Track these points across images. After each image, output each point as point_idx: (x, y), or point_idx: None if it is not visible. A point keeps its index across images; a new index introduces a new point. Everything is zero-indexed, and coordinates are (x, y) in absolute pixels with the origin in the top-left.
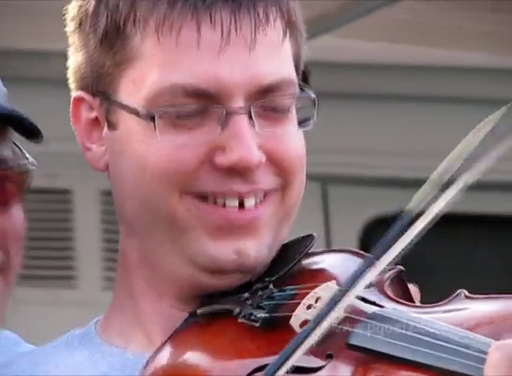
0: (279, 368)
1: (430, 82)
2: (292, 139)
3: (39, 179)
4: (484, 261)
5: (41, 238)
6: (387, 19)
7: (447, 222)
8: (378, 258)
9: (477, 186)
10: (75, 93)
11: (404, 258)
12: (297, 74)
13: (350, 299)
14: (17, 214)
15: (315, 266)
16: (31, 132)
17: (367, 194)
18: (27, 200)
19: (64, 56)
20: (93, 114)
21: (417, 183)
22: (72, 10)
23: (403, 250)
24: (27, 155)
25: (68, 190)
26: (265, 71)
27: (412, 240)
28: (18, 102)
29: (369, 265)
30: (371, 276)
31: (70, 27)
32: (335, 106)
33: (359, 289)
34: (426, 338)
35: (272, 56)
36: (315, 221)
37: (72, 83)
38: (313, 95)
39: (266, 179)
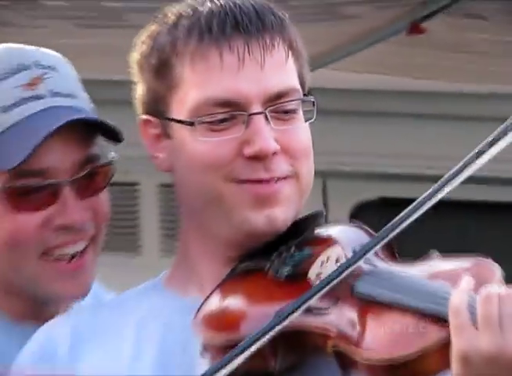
0: (298, 307)
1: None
2: (300, 134)
3: (116, 175)
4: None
5: (112, 224)
6: (373, 56)
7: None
8: (387, 235)
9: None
10: (142, 116)
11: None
12: (302, 85)
13: (359, 262)
14: (105, 198)
15: (326, 233)
16: (115, 137)
17: (354, 185)
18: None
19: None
20: (156, 131)
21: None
22: (134, 56)
23: (405, 228)
24: (112, 152)
25: (136, 183)
26: (273, 83)
27: (412, 222)
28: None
29: (379, 240)
30: (379, 247)
31: (134, 67)
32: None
33: (368, 255)
34: (408, 287)
35: (279, 72)
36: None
37: (138, 108)
38: (313, 99)
39: (281, 167)
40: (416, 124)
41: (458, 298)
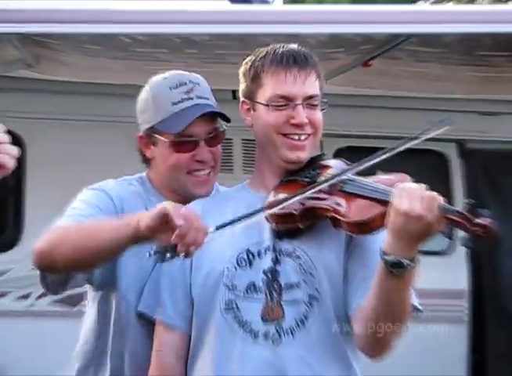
0: (308, 191)
1: None
2: (318, 116)
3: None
4: None
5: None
6: (345, 77)
7: None
8: (361, 165)
9: None
10: (242, 99)
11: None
12: (321, 92)
13: (344, 175)
14: (219, 148)
15: (326, 163)
16: (225, 118)
17: (334, 140)
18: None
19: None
20: (247, 106)
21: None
22: (241, 70)
23: (373, 163)
24: (224, 125)
25: (228, 140)
26: (309, 90)
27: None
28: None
29: (356, 166)
30: (355, 170)
31: (241, 76)
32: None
33: (349, 174)
34: (367, 186)
35: (311, 85)
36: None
37: (240, 95)
38: (326, 100)
39: (308, 130)
40: (362, 111)
41: (397, 191)
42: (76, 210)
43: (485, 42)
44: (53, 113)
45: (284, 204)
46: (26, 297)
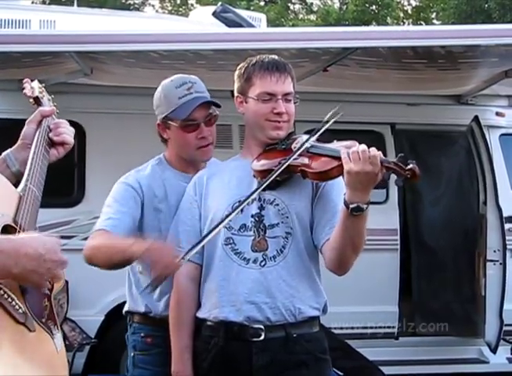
0: (290, 158)
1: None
2: (292, 108)
3: (220, 120)
4: None
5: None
6: (310, 80)
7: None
8: (317, 132)
9: None
10: (236, 94)
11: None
12: (294, 90)
13: (309, 142)
14: (214, 127)
15: (297, 136)
16: (218, 105)
17: (303, 125)
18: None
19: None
20: (240, 99)
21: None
22: (237, 73)
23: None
24: (216, 111)
25: (228, 125)
26: (286, 89)
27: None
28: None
29: (315, 133)
30: (315, 137)
31: (236, 77)
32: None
33: (312, 140)
34: (326, 148)
35: (288, 85)
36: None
37: (235, 91)
38: (297, 96)
39: (285, 118)
40: (322, 103)
41: (343, 152)
42: (108, 208)
43: (409, 53)
44: (103, 109)
45: (278, 172)
46: (87, 238)
